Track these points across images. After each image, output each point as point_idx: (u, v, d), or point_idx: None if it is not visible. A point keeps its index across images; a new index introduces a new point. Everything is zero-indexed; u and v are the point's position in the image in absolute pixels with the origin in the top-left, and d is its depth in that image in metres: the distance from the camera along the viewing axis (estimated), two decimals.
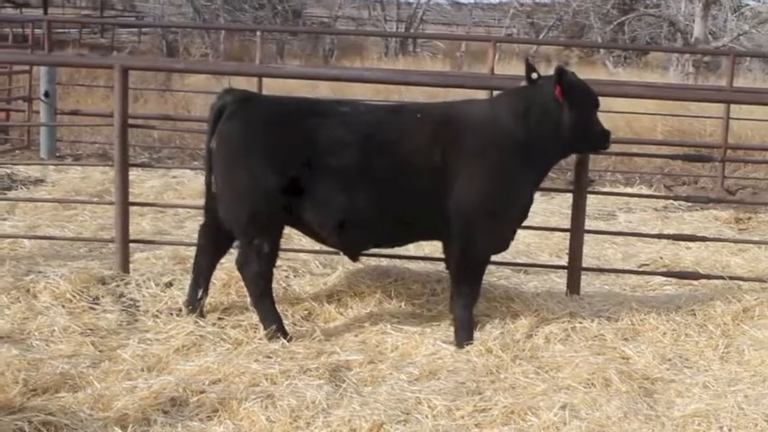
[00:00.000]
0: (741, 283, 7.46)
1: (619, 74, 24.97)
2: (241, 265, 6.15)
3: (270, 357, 5.75)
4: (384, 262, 7.26)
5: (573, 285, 7.09)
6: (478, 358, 5.88)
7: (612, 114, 11.99)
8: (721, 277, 7.49)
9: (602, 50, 31.18)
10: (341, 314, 6.62)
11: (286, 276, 7.08)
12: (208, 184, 6.24)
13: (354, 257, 6.50)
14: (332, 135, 5.97)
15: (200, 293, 6.42)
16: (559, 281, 7.39)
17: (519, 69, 22.04)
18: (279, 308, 6.29)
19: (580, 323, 6.44)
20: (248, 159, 6.00)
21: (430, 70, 19.86)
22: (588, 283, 7.46)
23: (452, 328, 6.25)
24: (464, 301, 6.18)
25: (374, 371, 5.67)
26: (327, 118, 6.07)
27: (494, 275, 7.57)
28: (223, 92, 6.28)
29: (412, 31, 32.05)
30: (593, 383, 5.57)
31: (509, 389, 5.48)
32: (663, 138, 14.55)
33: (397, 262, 7.29)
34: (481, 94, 11.77)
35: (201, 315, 6.36)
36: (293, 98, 6.56)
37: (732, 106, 12.72)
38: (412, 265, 7.32)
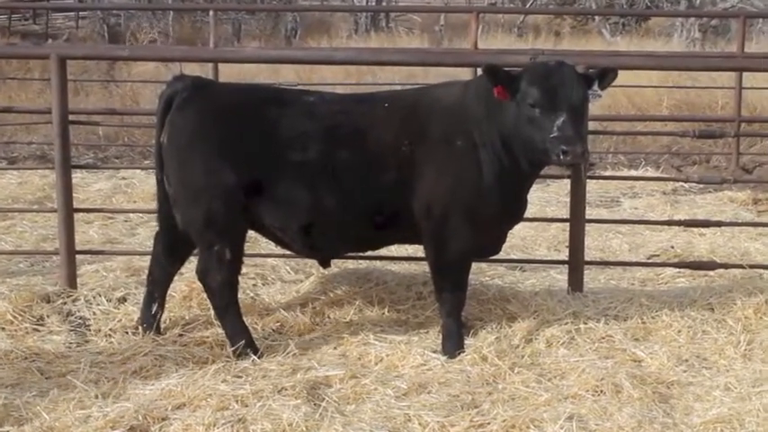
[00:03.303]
0: (762, 271, 7.53)
1: (617, 43, 25.03)
2: (202, 274, 6.14)
3: (239, 377, 5.75)
4: (363, 264, 7.28)
5: (575, 282, 7.12)
6: (473, 368, 5.90)
7: (612, 89, 12.01)
8: (740, 266, 7.55)
9: (597, 18, 31.22)
10: (317, 325, 6.63)
11: (254, 285, 7.10)
12: (160, 183, 6.23)
13: (324, 264, 6.52)
14: (293, 127, 5.98)
15: (154, 308, 6.41)
16: (560, 277, 7.43)
17: (505, 42, 22.24)
18: (247, 320, 6.31)
19: (585, 324, 6.47)
20: (202, 154, 6.00)
21: (406, 47, 19.89)
22: (592, 278, 7.50)
23: (437, 337, 6.30)
24: (447, 308, 6.20)
25: (357, 387, 5.66)
26: (289, 108, 6.07)
27: (486, 274, 7.61)
28: (173, 79, 6.27)
29: (384, 4, 32.07)
30: (602, 390, 5.60)
31: (508, 400, 5.49)
32: (669, 113, 14.62)
33: (378, 263, 7.31)
34: (464, 73, 11.82)
35: (159, 332, 6.36)
36: (251, 86, 6.57)
37: (745, 74, 12.78)
38: (395, 267, 7.35)
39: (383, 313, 6.75)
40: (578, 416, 5.26)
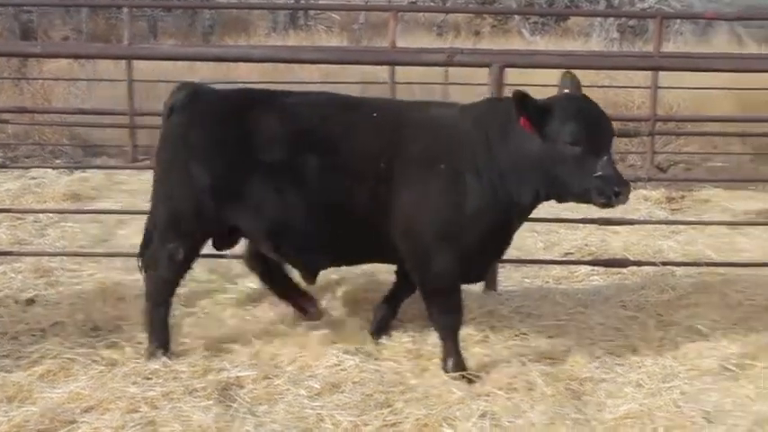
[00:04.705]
0: (674, 268, 7.67)
1: (536, 42, 25.25)
2: (148, 262, 6.14)
3: (149, 378, 5.70)
4: None
5: (490, 281, 7.19)
6: (387, 367, 5.93)
7: (531, 88, 12.13)
8: (653, 263, 7.67)
9: (517, 17, 31.47)
10: (231, 325, 6.59)
11: None
12: None
13: (308, 279, 6.41)
14: (271, 132, 5.87)
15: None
16: None
17: (425, 41, 22.32)
18: None
19: (499, 322, 6.54)
20: (179, 158, 5.98)
21: (324, 46, 19.85)
22: (507, 277, 7.58)
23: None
24: (439, 332, 5.99)
25: (269, 387, 5.67)
26: (270, 113, 5.96)
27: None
28: (175, 88, 6.24)
29: (303, 1, 31.99)
30: (515, 388, 5.67)
31: (422, 399, 5.53)
32: None
33: None
34: (381, 71, 11.87)
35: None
36: (245, 90, 6.44)
37: (661, 74, 12.99)
38: None
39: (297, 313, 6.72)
40: (491, 413, 5.32)
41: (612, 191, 5.44)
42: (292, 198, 5.81)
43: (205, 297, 6.99)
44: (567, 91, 5.85)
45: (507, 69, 7.18)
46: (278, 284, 6.67)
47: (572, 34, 28.66)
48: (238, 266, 6.84)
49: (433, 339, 6.25)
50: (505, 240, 6.00)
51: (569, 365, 6.06)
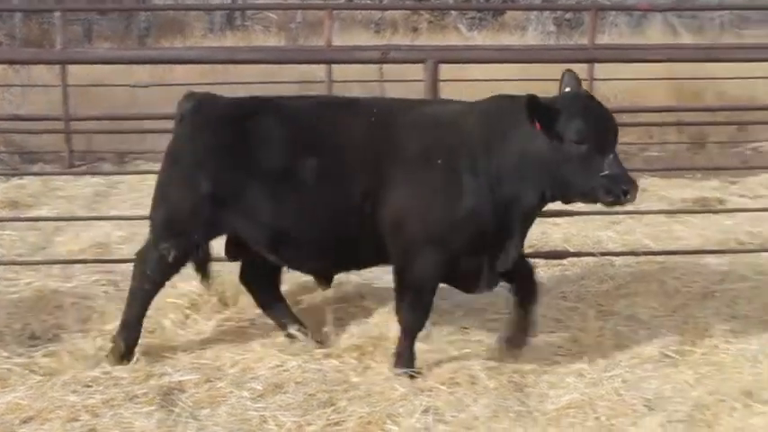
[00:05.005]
0: (614, 258, 7.75)
1: (474, 38, 25.39)
2: (139, 257, 6.10)
3: (89, 386, 5.64)
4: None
5: None
6: (330, 366, 5.92)
7: (469, 83, 12.21)
8: (592, 254, 7.75)
9: (453, 13, 31.57)
10: (171, 329, 6.55)
11: (105, 292, 6.97)
12: None
13: (323, 283, 6.48)
14: (269, 139, 5.85)
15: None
16: None
17: (363, 39, 22.30)
18: (91, 326, 6.26)
19: (441, 317, 6.55)
20: (181, 164, 5.99)
21: (260, 46, 19.77)
22: None
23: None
24: (402, 326, 5.93)
25: (212, 390, 5.65)
26: (265, 117, 5.94)
27: None
28: (183, 97, 6.22)
29: (240, 2, 31.86)
30: (457, 383, 5.70)
31: (365, 396, 5.54)
32: None
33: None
34: (319, 69, 11.85)
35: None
36: (249, 98, 6.39)
37: (597, 66, 13.10)
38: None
39: (239, 315, 6.72)
40: (434, 408, 5.35)
41: (621, 189, 5.42)
42: (293, 203, 5.79)
43: None
44: (568, 89, 5.80)
45: (444, 65, 7.18)
46: (270, 307, 6.54)
47: (509, 28, 28.82)
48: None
49: (374, 337, 6.26)
50: (502, 244, 5.79)
51: (511, 358, 6.08)
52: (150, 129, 10.69)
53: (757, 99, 13.40)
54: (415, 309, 5.89)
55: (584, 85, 13.33)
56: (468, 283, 5.97)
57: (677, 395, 5.63)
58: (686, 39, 21.94)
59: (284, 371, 5.89)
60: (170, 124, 6.24)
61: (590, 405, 5.46)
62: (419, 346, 6.15)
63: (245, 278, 6.52)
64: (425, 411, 5.28)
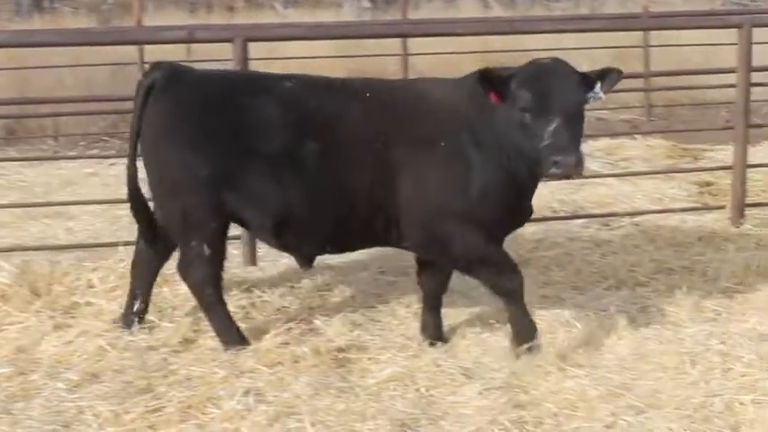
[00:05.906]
0: None
1: (289, 16, 25.34)
2: (183, 270, 5.89)
3: None
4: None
5: (249, 256, 7.25)
6: (147, 353, 5.84)
7: (286, 61, 12.20)
8: None
9: None
10: None
11: None
12: (132, 177, 5.92)
13: (304, 264, 6.25)
14: (266, 117, 5.65)
15: (136, 307, 6.19)
16: (235, 253, 7.38)
17: (176, 18, 21.98)
18: None
19: (259, 297, 6.56)
20: (176, 148, 5.72)
21: (66, 28, 19.29)
22: (266, 252, 7.53)
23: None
24: (503, 298, 5.81)
25: (25, 383, 5.51)
26: (263, 96, 5.72)
27: None
28: (151, 67, 5.93)
29: None
30: (279, 362, 5.70)
31: (184, 381, 5.49)
32: None
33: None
34: (132, 51, 11.64)
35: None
36: (229, 72, 6.13)
37: (410, 41, 13.26)
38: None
39: (53, 303, 6.52)
40: (255, 389, 5.32)
41: (551, 160, 5.18)
42: (292, 185, 5.63)
43: None
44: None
45: (255, 44, 7.15)
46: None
47: (324, 5, 28.84)
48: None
49: (188, 321, 6.19)
50: (520, 212, 5.80)
51: (333, 335, 6.11)
52: None
53: None
54: (495, 274, 5.76)
55: (398, 60, 13.64)
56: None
57: (495, 363, 5.75)
58: (497, 12, 22.48)
59: (100, 360, 5.79)
60: None
61: (410, 377, 5.53)
62: (242, 326, 6.10)
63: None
64: (246, 393, 5.24)
